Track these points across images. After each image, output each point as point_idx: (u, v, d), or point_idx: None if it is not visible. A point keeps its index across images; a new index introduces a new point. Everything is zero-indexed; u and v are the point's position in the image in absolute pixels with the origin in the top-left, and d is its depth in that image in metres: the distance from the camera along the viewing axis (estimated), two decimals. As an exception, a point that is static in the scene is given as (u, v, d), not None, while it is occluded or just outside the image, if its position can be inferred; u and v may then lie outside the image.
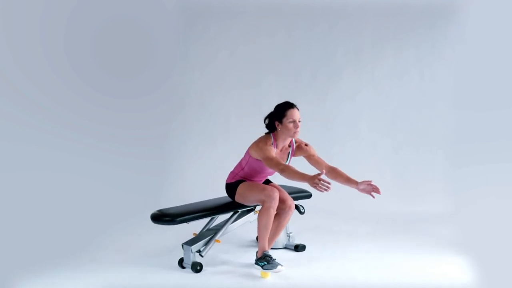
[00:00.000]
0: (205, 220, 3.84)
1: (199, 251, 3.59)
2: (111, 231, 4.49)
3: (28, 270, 3.58)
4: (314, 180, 3.17)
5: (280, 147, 3.61)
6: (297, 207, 3.96)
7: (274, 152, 3.51)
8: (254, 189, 3.58)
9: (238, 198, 3.67)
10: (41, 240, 4.17)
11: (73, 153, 5.17)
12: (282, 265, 3.45)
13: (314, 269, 3.61)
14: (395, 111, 5.78)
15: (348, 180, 3.54)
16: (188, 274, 3.54)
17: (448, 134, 5.50)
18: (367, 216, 5.01)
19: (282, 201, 3.60)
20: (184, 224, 3.58)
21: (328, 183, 3.17)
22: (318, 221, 4.81)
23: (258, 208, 3.78)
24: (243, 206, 3.77)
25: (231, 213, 3.79)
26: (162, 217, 3.56)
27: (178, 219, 3.53)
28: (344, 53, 5.86)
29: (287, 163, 3.65)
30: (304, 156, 3.71)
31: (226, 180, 3.75)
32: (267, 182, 3.84)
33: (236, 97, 5.92)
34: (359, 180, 3.51)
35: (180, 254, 3.67)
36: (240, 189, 3.64)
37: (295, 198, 4.00)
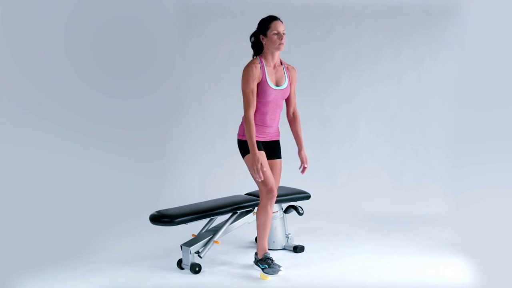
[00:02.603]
0: (204, 221, 3.84)
1: (198, 252, 3.59)
2: (110, 232, 4.49)
3: (27, 270, 3.59)
4: (256, 163, 3.32)
5: (271, 64, 3.50)
6: (295, 208, 3.96)
7: (253, 82, 3.39)
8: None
9: (245, 162, 3.55)
10: (40, 240, 4.18)
11: (72, 153, 5.17)
12: (281, 266, 3.46)
13: (313, 270, 3.61)
14: (393, 113, 5.78)
15: (297, 137, 3.68)
16: (187, 275, 3.55)
17: (447, 135, 5.50)
18: (366, 217, 5.01)
19: None
20: (183, 225, 3.59)
21: (261, 177, 3.31)
22: (317, 222, 4.80)
23: (256, 209, 3.77)
24: (242, 207, 3.77)
25: (230, 214, 3.80)
26: (161, 218, 3.57)
27: (177, 220, 3.53)
28: (342, 55, 5.86)
29: (287, 81, 3.52)
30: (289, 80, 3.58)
31: (238, 134, 3.59)
32: (276, 151, 3.64)
33: (235, 98, 5.89)
34: (303, 150, 3.65)
35: (179, 255, 3.67)
36: (248, 160, 3.44)
37: (294, 200, 4.01)
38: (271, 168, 3.58)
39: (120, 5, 5.47)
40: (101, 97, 5.40)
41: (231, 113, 5.88)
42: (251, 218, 3.86)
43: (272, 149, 3.61)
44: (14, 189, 4.45)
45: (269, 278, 3.43)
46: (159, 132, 5.77)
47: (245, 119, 3.39)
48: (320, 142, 5.56)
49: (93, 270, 3.64)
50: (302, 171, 3.65)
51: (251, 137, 3.35)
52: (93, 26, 5.34)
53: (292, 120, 3.68)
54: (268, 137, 3.56)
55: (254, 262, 3.56)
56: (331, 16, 5.85)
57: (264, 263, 3.46)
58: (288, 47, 5.83)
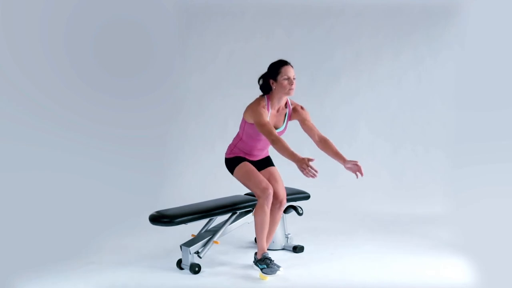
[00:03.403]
0: (204, 221, 3.84)
1: (197, 252, 3.59)
2: (109, 232, 4.48)
3: (27, 270, 3.59)
4: (302, 164, 3.15)
5: (275, 107, 3.54)
6: (295, 208, 3.96)
7: (267, 116, 3.43)
8: (251, 179, 3.53)
9: (235, 177, 3.65)
10: (40, 240, 4.17)
11: (72, 153, 5.17)
12: (280, 266, 3.46)
13: (312, 271, 3.61)
14: (393, 113, 5.78)
15: (336, 155, 3.51)
16: (186, 275, 3.54)
17: (447, 135, 5.50)
18: (366, 217, 5.01)
19: (274, 195, 3.57)
20: (183, 225, 3.58)
21: (316, 170, 3.15)
22: (317, 222, 4.80)
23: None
24: (242, 207, 3.77)
25: (229, 214, 3.80)
26: (160, 218, 3.56)
27: (177, 220, 3.53)
28: (342, 55, 5.86)
29: (284, 125, 3.61)
30: (298, 120, 3.63)
31: (225, 154, 3.71)
32: (267, 162, 3.76)
33: (235, 98, 5.92)
34: (347, 158, 3.48)
35: (179, 255, 3.67)
36: (238, 173, 3.60)
37: (293, 200, 4.00)
38: (269, 175, 3.67)
39: (120, 5, 5.47)
40: (101, 97, 5.40)
41: (231, 113, 5.88)
42: (250, 218, 3.86)
43: (263, 161, 3.74)
44: (14, 189, 4.45)
45: (268, 278, 3.43)
46: (159, 132, 5.77)
47: (275, 141, 3.28)
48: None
49: (92, 270, 3.63)
50: (361, 173, 3.43)
51: (289, 153, 3.22)
52: (93, 26, 5.34)
53: (322, 145, 3.56)
54: (257, 158, 3.72)
55: (253, 262, 3.56)
56: (331, 16, 5.85)
57: (263, 263, 3.46)
58: (288, 47, 5.90)
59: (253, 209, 3.82)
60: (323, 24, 5.88)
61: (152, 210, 3.69)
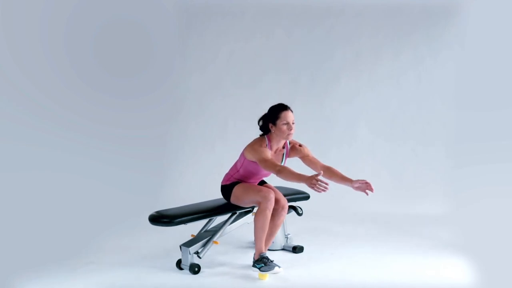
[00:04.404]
0: (203, 222, 3.84)
1: (197, 253, 3.59)
2: (109, 232, 4.49)
3: (27, 270, 3.59)
4: (311, 181, 3.17)
5: (274, 149, 3.61)
6: (295, 208, 3.96)
7: (269, 153, 3.50)
8: (250, 191, 3.58)
9: (233, 200, 3.68)
10: (40, 240, 4.18)
11: (72, 153, 5.18)
12: (280, 267, 3.45)
13: (312, 271, 3.61)
14: (393, 113, 5.77)
15: (343, 179, 3.53)
16: (186, 275, 3.54)
17: (447, 135, 5.50)
18: (366, 217, 5.01)
19: (275, 201, 3.59)
20: (182, 226, 3.58)
21: (326, 183, 3.17)
22: (316, 222, 4.80)
23: (255, 209, 3.77)
24: (241, 207, 3.77)
25: (229, 215, 3.79)
26: (160, 219, 3.56)
27: (176, 220, 3.53)
28: (342, 55, 5.85)
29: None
30: (299, 157, 3.71)
31: (222, 182, 3.76)
32: (262, 183, 3.85)
33: (235, 98, 5.92)
34: (353, 179, 3.50)
35: (178, 255, 3.67)
36: (236, 190, 3.64)
37: (293, 200, 4.00)
38: (265, 187, 3.72)
39: (120, 5, 5.47)
40: (101, 97, 5.40)
41: (231, 113, 5.89)
42: (250, 218, 3.85)
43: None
44: (14, 189, 4.45)
45: (267, 276, 3.43)
46: (159, 132, 5.76)
47: (280, 171, 3.33)
48: (320, 142, 5.56)
49: (92, 270, 3.64)
50: (371, 189, 3.46)
51: (296, 176, 3.26)
52: (93, 26, 5.34)
53: (328, 174, 3.55)
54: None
55: (252, 265, 3.54)
56: (331, 16, 5.85)
57: (260, 262, 3.46)
58: (288, 47, 5.90)
59: (253, 209, 3.83)
60: (323, 24, 5.88)
61: (152, 210, 3.70)
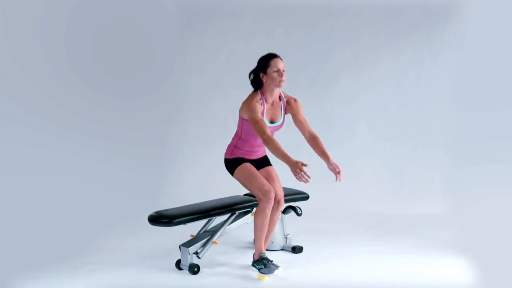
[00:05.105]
0: (203, 222, 3.84)
1: (196, 253, 3.59)
2: (109, 233, 4.49)
3: (27, 270, 3.60)
4: (296, 169, 3.17)
5: (270, 101, 3.56)
6: (294, 208, 3.96)
7: (259, 112, 3.44)
8: (252, 182, 3.53)
9: (236, 178, 3.65)
10: (40, 240, 4.18)
11: (72, 153, 5.17)
12: (279, 267, 3.45)
13: (312, 271, 3.61)
14: (393, 113, 5.77)
15: (323, 154, 3.54)
16: (185, 275, 3.55)
17: (447, 135, 5.50)
18: (365, 217, 5.00)
19: None
20: (182, 226, 3.58)
21: (308, 176, 3.16)
22: (316, 222, 4.80)
23: (255, 210, 3.77)
24: (241, 207, 3.77)
25: (228, 215, 3.80)
26: (159, 219, 3.57)
27: (176, 220, 3.53)
28: (342, 55, 5.85)
29: (282, 119, 3.61)
30: (291, 114, 3.65)
31: (225, 155, 3.71)
32: (265, 161, 3.76)
33: (235, 98, 5.88)
34: (331, 160, 3.50)
35: (178, 255, 3.67)
36: (238, 174, 3.61)
37: (292, 200, 4.00)
38: (267, 174, 3.67)
39: (120, 5, 5.47)
40: (101, 97, 5.40)
41: (231, 113, 5.85)
42: (249, 218, 3.86)
43: (261, 161, 3.73)
44: (14, 189, 4.45)
45: (267, 278, 3.43)
46: (159, 132, 5.76)
47: (267, 141, 3.31)
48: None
49: (92, 270, 3.64)
50: (339, 178, 3.47)
51: (282, 154, 3.25)
52: (93, 26, 5.34)
53: (312, 142, 3.60)
54: (257, 155, 3.71)
55: (251, 264, 3.54)
56: (331, 16, 5.85)
57: (260, 263, 3.46)
58: (288, 47, 5.90)
59: (252, 209, 3.83)
60: (323, 24, 5.88)
61: (152, 210, 3.70)
